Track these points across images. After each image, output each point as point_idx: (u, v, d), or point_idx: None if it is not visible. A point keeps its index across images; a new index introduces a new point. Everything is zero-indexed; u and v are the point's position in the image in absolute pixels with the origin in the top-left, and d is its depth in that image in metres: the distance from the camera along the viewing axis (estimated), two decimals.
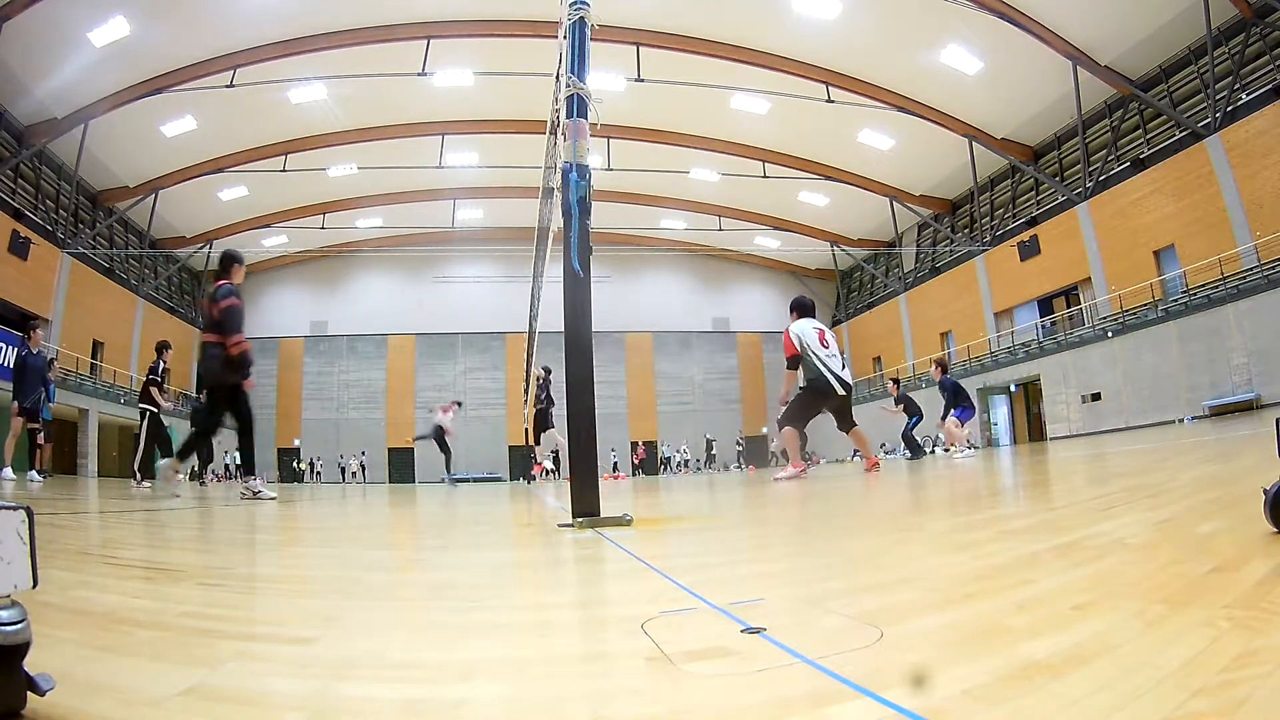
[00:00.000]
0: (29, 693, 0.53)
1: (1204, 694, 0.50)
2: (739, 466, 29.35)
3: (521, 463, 21.23)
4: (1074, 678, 0.55)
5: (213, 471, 14.51)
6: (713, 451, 30.48)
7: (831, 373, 6.38)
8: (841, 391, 6.40)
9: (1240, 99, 16.56)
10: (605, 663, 0.73)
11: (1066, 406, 20.47)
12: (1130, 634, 0.66)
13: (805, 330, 6.55)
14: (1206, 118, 17.15)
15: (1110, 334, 19.07)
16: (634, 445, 32.67)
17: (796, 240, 31.35)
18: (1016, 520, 1.88)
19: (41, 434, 10.96)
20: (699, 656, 0.68)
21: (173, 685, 0.62)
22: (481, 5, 18.93)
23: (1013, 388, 24.37)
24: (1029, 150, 23.25)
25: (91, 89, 18.58)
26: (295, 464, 29.90)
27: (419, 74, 19.60)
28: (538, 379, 11.79)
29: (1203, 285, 16.88)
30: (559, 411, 11.85)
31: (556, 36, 2.99)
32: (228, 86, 19.15)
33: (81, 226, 22.65)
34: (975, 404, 12.08)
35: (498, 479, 27.86)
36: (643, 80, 19.60)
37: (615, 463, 29.60)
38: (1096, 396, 19.45)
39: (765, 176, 25.45)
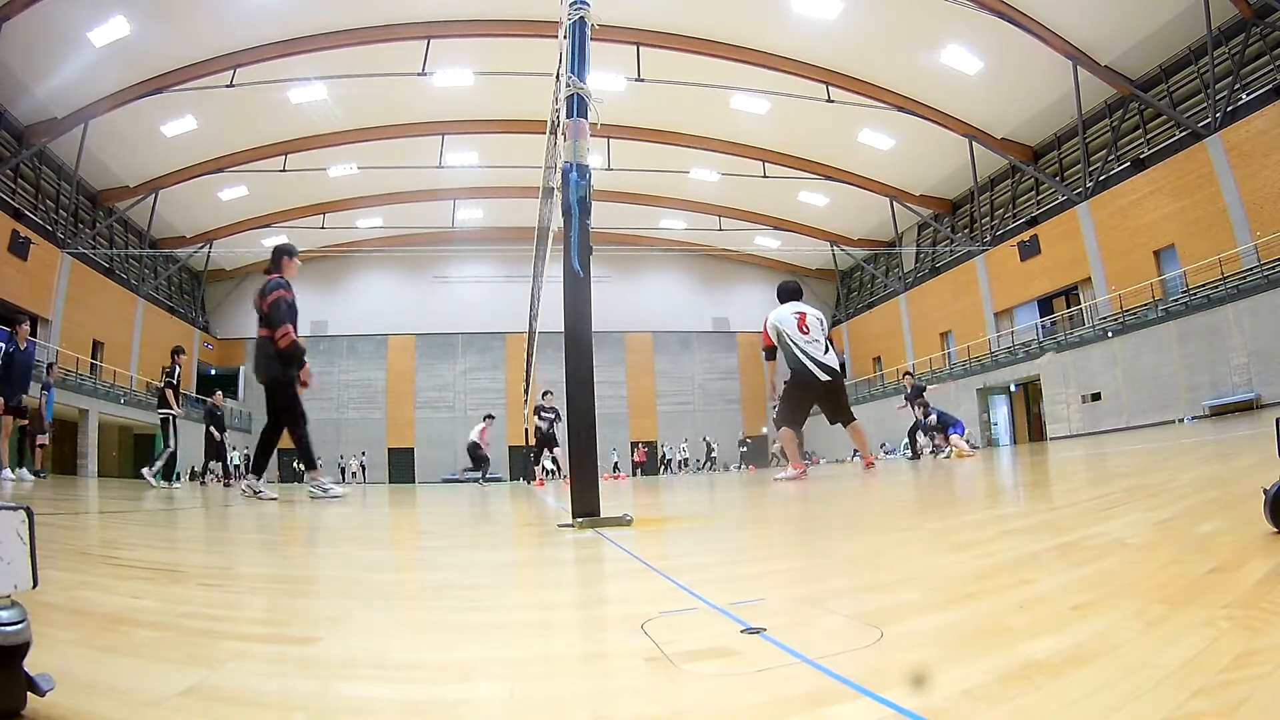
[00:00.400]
0: (29, 693, 0.53)
1: (1204, 694, 0.50)
2: (739, 466, 29.35)
3: (521, 463, 21.21)
4: (1074, 678, 0.55)
5: (211, 472, 14.54)
6: (712, 453, 30.47)
7: (812, 360, 6.06)
8: (824, 378, 6.07)
9: (1240, 99, 16.56)
10: (605, 663, 0.73)
11: (1066, 406, 20.47)
12: (1130, 634, 0.66)
13: (784, 318, 6.25)
14: (1206, 118, 17.15)
15: (1110, 334, 19.08)
16: (634, 445, 32.68)
17: (796, 240, 31.36)
18: (1016, 520, 1.88)
19: (46, 435, 11.09)
20: (699, 656, 0.68)
21: (173, 685, 0.62)
22: (481, 5, 18.93)
23: (1013, 388, 24.37)
24: (1029, 150, 23.26)
25: (91, 89, 18.58)
26: (295, 464, 29.89)
27: (419, 74, 19.60)
28: (538, 407, 12.16)
29: (1203, 285, 16.88)
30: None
31: (556, 36, 2.99)
32: (228, 86, 19.15)
33: (81, 226, 22.66)
34: (957, 417, 12.27)
35: (498, 479, 27.84)
36: (643, 80, 19.60)
37: (616, 463, 29.60)
38: (1096, 396, 19.45)
39: (765, 176, 25.45)
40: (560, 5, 2.80)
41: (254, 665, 0.72)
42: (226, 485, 11.53)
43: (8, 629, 0.52)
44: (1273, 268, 15.10)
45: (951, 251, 26.80)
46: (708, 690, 0.60)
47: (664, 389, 34.58)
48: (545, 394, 12.29)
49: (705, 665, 0.66)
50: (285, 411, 5.37)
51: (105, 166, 22.19)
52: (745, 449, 31.60)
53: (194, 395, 29.19)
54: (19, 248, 19.26)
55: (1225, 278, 16.30)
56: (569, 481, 2.48)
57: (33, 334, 19.51)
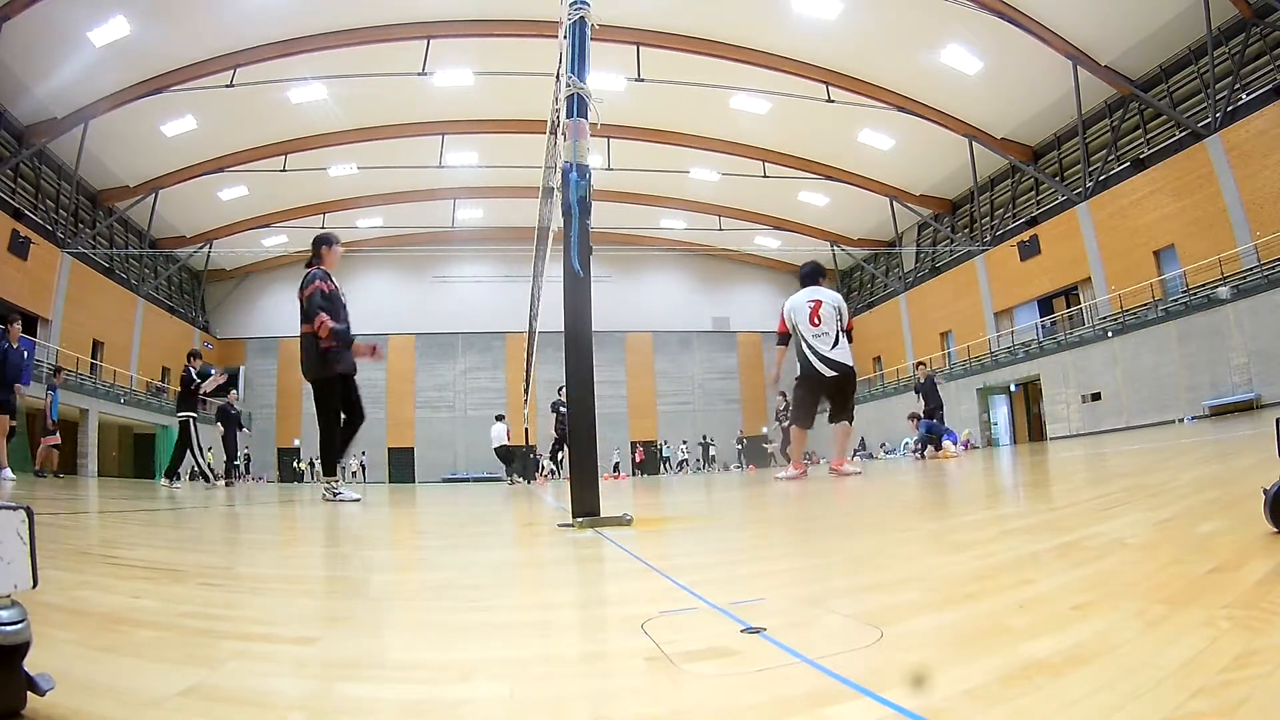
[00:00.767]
0: (29, 693, 0.53)
1: (1204, 694, 0.50)
2: (739, 466, 29.35)
3: (521, 462, 21.21)
4: (1074, 678, 0.55)
5: (211, 470, 14.55)
6: (711, 452, 30.47)
7: (818, 355, 5.84)
8: (829, 374, 5.83)
9: (1240, 99, 16.56)
10: (605, 663, 0.73)
11: (1066, 406, 20.47)
12: (1130, 634, 0.66)
13: (797, 306, 6.01)
14: (1206, 118, 17.15)
15: (1110, 334, 19.08)
16: (634, 445, 32.69)
17: (796, 240, 31.34)
18: (1016, 520, 1.88)
19: (55, 435, 11.19)
20: (699, 656, 0.68)
21: (173, 685, 0.62)
22: (481, 5, 18.93)
23: (1013, 388, 24.37)
24: (1029, 150, 23.25)
25: (91, 89, 18.58)
26: (295, 464, 29.90)
27: (419, 74, 19.60)
28: (555, 403, 12.33)
29: (1203, 285, 16.88)
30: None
31: (556, 36, 2.99)
32: (228, 86, 19.15)
33: (81, 226, 22.65)
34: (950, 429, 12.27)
35: (498, 479, 27.84)
36: (643, 80, 19.60)
37: (617, 463, 29.60)
38: (1096, 396, 19.45)
39: (765, 176, 25.44)
40: (560, 5, 2.80)
41: (254, 665, 0.72)
42: (228, 485, 11.56)
43: (8, 629, 0.52)
44: (1273, 268, 15.10)
45: (951, 251, 26.79)
46: (708, 690, 0.60)
47: (664, 389, 34.57)
48: (561, 389, 12.35)
49: (705, 665, 0.66)
50: (349, 406, 5.05)
51: (105, 166, 22.18)
52: (741, 447, 31.57)
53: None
54: (19, 248, 19.26)
55: (1225, 278, 16.30)
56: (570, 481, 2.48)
57: (33, 334, 19.57)
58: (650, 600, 1.00)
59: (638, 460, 31.85)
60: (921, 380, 12.29)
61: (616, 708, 0.57)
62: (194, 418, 10.21)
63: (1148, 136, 19.43)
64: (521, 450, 15.74)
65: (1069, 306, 22.30)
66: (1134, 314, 18.67)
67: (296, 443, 30.70)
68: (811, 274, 6.24)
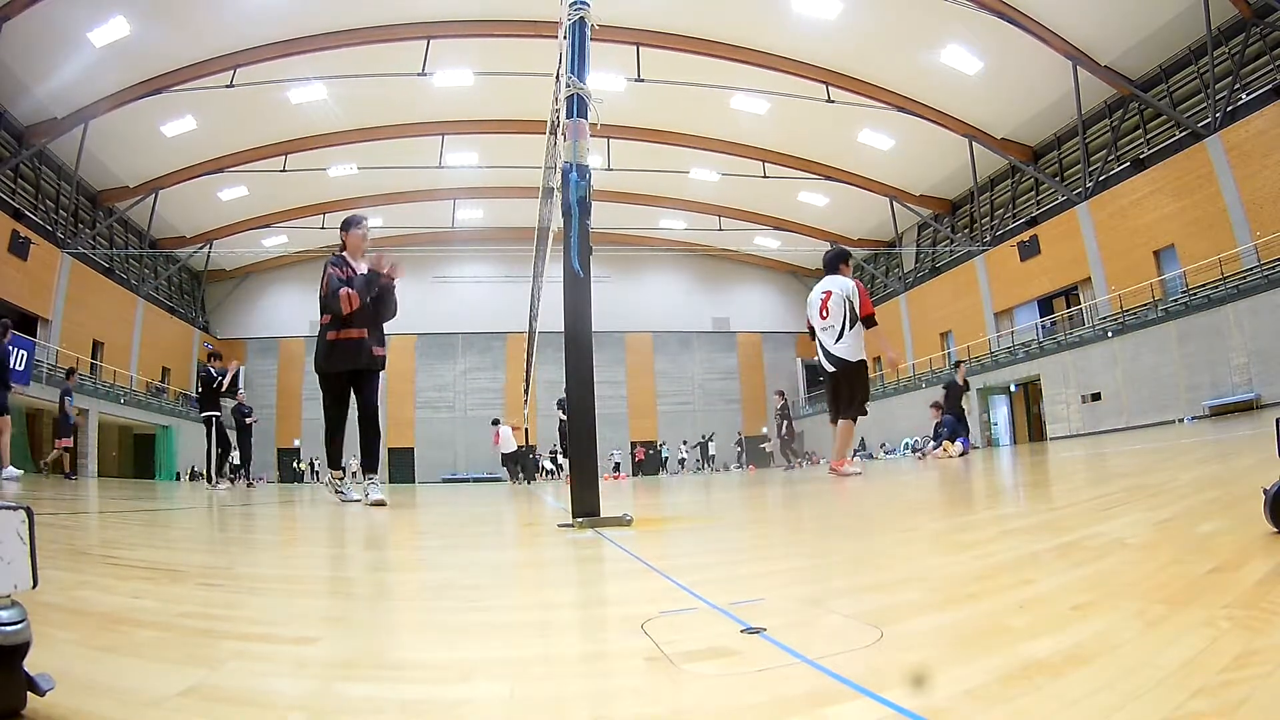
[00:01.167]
0: (29, 693, 0.53)
1: (1204, 694, 0.50)
2: (739, 466, 29.35)
3: (522, 463, 21.21)
4: (1074, 678, 0.55)
5: (222, 472, 14.60)
6: (710, 452, 30.47)
7: (822, 349, 5.75)
8: (829, 368, 5.75)
9: (1240, 99, 16.55)
10: (605, 663, 0.73)
11: (1066, 406, 20.46)
12: (1130, 634, 0.66)
13: (813, 299, 5.89)
14: (1206, 118, 17.15)
15: (1110, 334, 19.07)
16: (634, 445, 32.68)
17: (796, 240, 31.33)
18: (1017, 520, 1.88)
19: (68, 439, 11.55)
20: (699, 656, 0.68)
21: (173, 685, 0.62)
22: (481, 5, 18.93)
23: (1013, 388, 24.36)
24: (1029, 150, 23.25)
25: (91, 89, 18.57)
26: (295, 464, 29.91)
27: (419, 74, 19.60)
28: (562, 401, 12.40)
29: (1203, 285, 16.88)
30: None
31: (556, 36, 2.99)
32: (228, 86, 19.15)
33: (81, 226, 22.65)
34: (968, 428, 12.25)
35: (498, 479, 27.84)
36: (643, 80, 19.60)
37: (617, 463, 29.59)
38: (1096, 396, 19.45)
39: (765, 176, 25.44)
40: (560, 5, 2.80)
41: (254, 665, 0.72)
42: (250, 485, 11.64)
43: (8, 629, 0.52)
44: (1273, 268, 15.10)
45: (951, 251, 26.79)
46: (708, 690, 0.60)
47: (664, 389, 34.57)
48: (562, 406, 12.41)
49: (705, 665, 0.66)
50: (360, 407, 4.76)
51: (105, 166, 22.18)
52: (740, 448, 31.56)
53: (195, 395, 29.23)
54: (19, 248, 19.26)
55: (1225, 278, 16.30)
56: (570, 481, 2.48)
57: (33, 334, 19.57)
58: (650, 600, 1.00)
59: (637, 459, 31.84)
60: (959, 381, 12.09)
61: (616, 708, 0.57)
62: (217, 417, 10.39)
63: (1148, 136, 19.43)
64: (522, 450, 15.76)
65: (1069, 306, 22.30)
66: (1134, 314, 18.66)
67: (296, 443, 30.71)
68: (831, 262, 6.08)
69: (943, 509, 2.50)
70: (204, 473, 10.84)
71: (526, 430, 14.61)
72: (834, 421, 5.97)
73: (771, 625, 0.77)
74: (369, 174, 25.46)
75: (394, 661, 0.75)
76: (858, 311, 5.81)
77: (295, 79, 20.00)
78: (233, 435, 12.66)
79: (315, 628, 0.94)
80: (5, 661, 0.52)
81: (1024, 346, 22.88)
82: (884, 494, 3.56)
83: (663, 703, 0.57)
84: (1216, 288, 16.37)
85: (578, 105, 2.62)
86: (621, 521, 2.20)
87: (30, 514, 0.56)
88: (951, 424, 11.68)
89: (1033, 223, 23.12)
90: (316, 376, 4.72)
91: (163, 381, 26.93)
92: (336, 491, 4.77)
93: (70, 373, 13.30)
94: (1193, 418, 15.83)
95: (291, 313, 32.01)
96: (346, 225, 4.81)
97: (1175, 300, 17.57)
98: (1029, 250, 22.91)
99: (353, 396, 4.76)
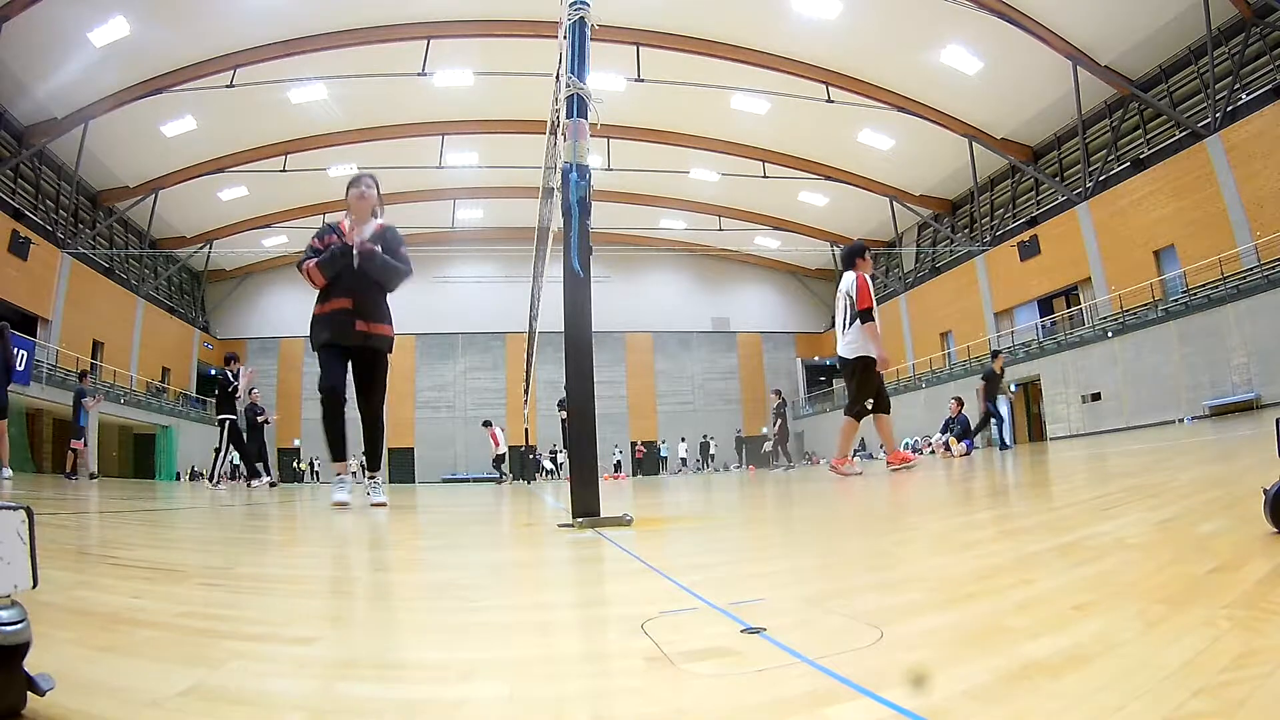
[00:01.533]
0: (29, 693, 0.53)
1: (1204, 694, 0.50)
2: (739, 466, 29.36)
3: (520, 462, 21.22)
4: (1074, 678, 0.55)
5: (235, 473, 14.64)
6: (710, 451, 30.48)
7: (838, 344, 5.88)
8: (838, 365, 5.90)
9: (1240, 99, 16.55)
10: (605, 663, 0.73)
11: (1066, 406, 20.46)
12: (1130, 634, 0.66)
13: (838, 296, 5.94)
14: (1206, 118, 17.15)
15: (1110, 334, 19.07)
16: (633, 445, 32.69)
17: (796, 240, 31.35)
18: (1017, 520, 1.88)
19: (83, 440, 12.02)
20: (699, 656, 0.68)
21: (173, 685, 0.62)
22: (481, 5, 18.93)
23: (1013, 388, 24.36)
24: (1029, 150, 23.25)
25: (91, 89, 18.58)
26: (295, 464, 29.92)
27: (419, 74, 19.60)
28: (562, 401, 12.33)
29: (1203, 285, 16.88)
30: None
31: (556, 36, 2.99)
32: (228, 86, 19.15)
33: (81, 226, 22.65)
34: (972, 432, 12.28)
35: (497, 479, 27.88)
36: (643, 80, 19.60)
37: (618, 462, 29.59)
38: (1096, 396, 19.45)
39: (765, 176, 25.45)
40: (560, 5, 2.80)
41: (254, 665, 0.72)
42: (272, 485, 11.66)
43: (8, 629, 0.52)
44: (1273, 268, 15.09)
45: (951, 251, 26.80)
46: (708, 690, 0.60)
47: (664, 389, 34.57)
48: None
49: (705, 665, 0.66)
50: (360, 389, 4.31)
51: (105, 166, 22.18)
52: (741, 448, 31.58)
53: (194, 395, 29.23)
54: (19, 248, 19.26)
55: (1225, 278, 16.29)
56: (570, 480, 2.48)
57: (33, 334, 19.58)
58: (650, 600, 1.00)
59: (637, 458, 31.85)
60: (997, 370, 11.94)
61: (616, 708, 0.57)
62: (233, 420, 10.54)
63: (1148, 136, 19.43)
64: (522, 450, 15.76)
65: (1069, 306, 22.30)
66: (1134, 314, 18.66)
67: (296, 443, 30.72)
68: (845, 258, 6.07)
69: (943, 509, 2.50)
70: (203, 473, 10.91)
71: (526, 430, 14.61)
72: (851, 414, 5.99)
73: (772, 625, 0.77)
74: None
75: (394, 661, 0.75)
76: (857, 302, 5.83)
77: (295, 79, 20.01)
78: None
79: (315, 628, 0.94)
80: (5, 661, 0.52)
81: (1024, 346, 22.88)
82: (884, 494, 3.56)
83: (663, 703, 0.57)
84: (1216, 288, 16.37)
85: (578, 105, 2.62)
86: (621, 521, 2.20)
87: (30, 514, 0.56)
88: (965, 422, 11.69)
89: (1033, 223, 23.13)
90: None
91: (163, 381, 26.93)
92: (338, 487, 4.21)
93: (84, 375, 13.44)
94: (1193, 418, 15.83)
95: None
96: (349, 184, 4.25)
97: (1175, 300, 17.57)
98: (1029, 250, 22.91)
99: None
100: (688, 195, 29.07)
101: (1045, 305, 23.34)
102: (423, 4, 18.64)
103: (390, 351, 4.31)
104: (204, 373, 30.13)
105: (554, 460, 26.15)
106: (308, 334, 4.18)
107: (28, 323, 19.80)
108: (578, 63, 2.65)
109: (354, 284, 3.98)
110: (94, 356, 23.01)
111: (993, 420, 11.76)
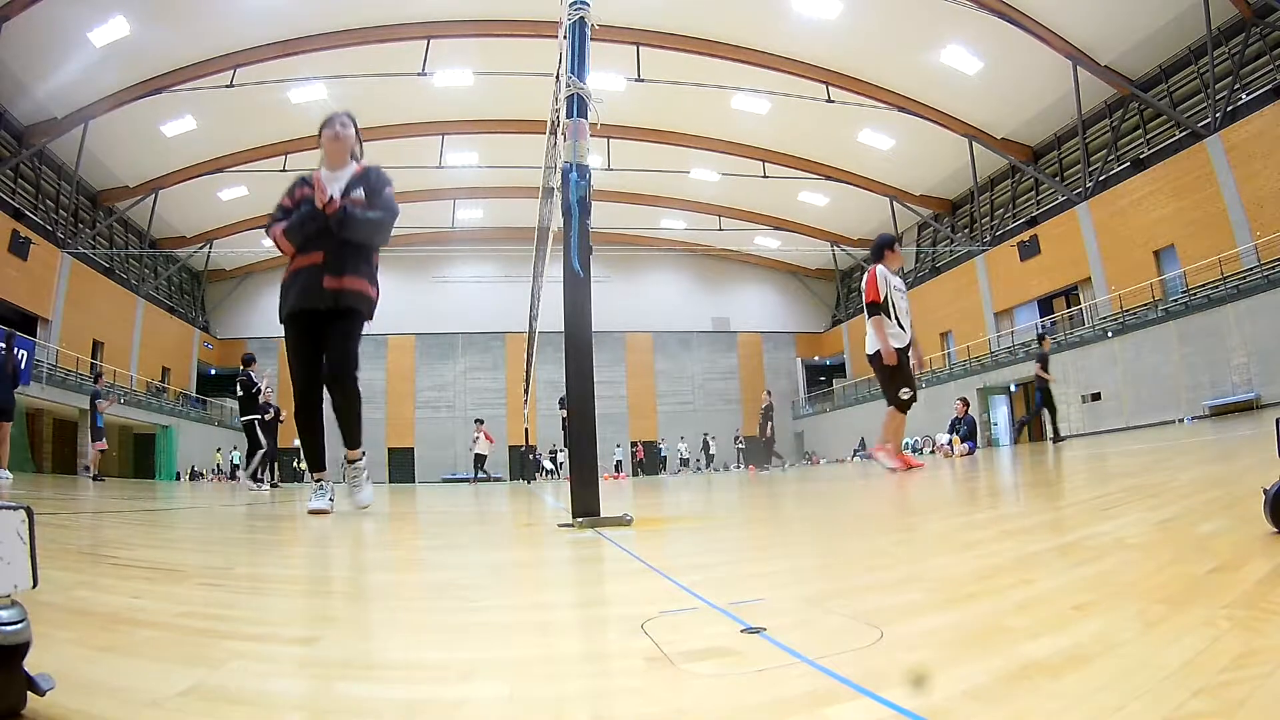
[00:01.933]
0: (29, 693, 0.53)
1: (1204, 694, 0.50)
2: (739, 466, 29.35)
3: (520, 462, 21.22)
4: (1074, 678, 0.55)
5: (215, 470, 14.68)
6: (711, 451, 30.47)
7: None
8: (868, 360, 5.91)
9: (1240, 99, 16.55)
10: (605, 663, 0.73)
11: (1066, 406, 20.45)
12: (1130, 634, 0.66)
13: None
14: (1206, 118, 17.15)
15: (1110, 334, 19.07)
16: (634, 445, 32.69)
17: (796, 240, 31.36)
18: (1017, 520, 1.88)
19: (102, 442, 12.40)
20: (699, 656, 0.68)
21: (173, 685, 0.62)
22: (481, 5, 18.93)
23: (1013, 388, 24.36)
24: (1029, 150, 23.25)
25: (91, 89, 18.58)
26: (295, 464, 29.89)
27: (419, 74, 19.61)
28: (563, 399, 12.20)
29: (1203, 285, 16.88)
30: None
31: (556, 36, 2.99)
32: (228, 86, 19.15)
33: (81, 226, 22.66)
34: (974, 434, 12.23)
35: (497, 479, 27.87)
36: (643, 80, 19.60)
37: (619, 462, 29.57)
38: (1097, 396, 19.45)
39: (765, 176, 25.45)
40: (560, 5, 2.80)
41: (254, 665, 0.72)
42: (274, 486, 11.69)
43: (8, 629, 0.52)
44: (1273, 268, 15.09)
45: (951, 251, 26.80)
46: (708, 690, 0.60)
47: (664, 389, 34.57)
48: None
49: (705, 665, 0.66)
50: (329, 365, 3.61)
51: (105, 166, 22.18)
52: (741, 447, 31.56)
53: (194, 395, 29.23)
54: (19, 248, 19.26)
55: (1225, 278, 16.29)
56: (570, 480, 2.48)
57: (33, 334, 19.58)
58: (650, 600, 1.00)
59: (637, 458, 31.84)
60: (1047, 351, 11.93)
61: (616, 708, 0.57)
62: (258, 420, 10.73)
63: (1148, 136, 19.43)
64: (522, 450, 15.78)
65: (1069, 306, 22.30)
66: (1134, 314, 18.66)
67: (296, 443, 30.66)
68: (873, 251, 6.06)
69: (942, 509, 2.50)
70: (252, 473, 11.02)
71: (527, 430, 14.62)
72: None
73: (772, 625, 0.77)
74: None
75: (394, 661, 0.75)
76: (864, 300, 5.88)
77: (295, 79, 20.00)
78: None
79: (315, 628, 0.94)
80: (5, 661, 0.52)
81: (1024, 346, 22.88)
82: (884, 494, 3.56)
83: (663, 703, 0.57)
84: (1216, 288, 16.36)
85: (578, 105, 2.62)
86: (621, 521, 2.20)
87: (30, 514, 0.56)
88: (971, 423, 11.70)
89: (1033, 223, 23.13)
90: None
91: (163, 381, 26.92)
92: (318, 492, 3.56)
93: (98, 377, 13.58)
94: (1193, 418, 15.83)
95: None
96: (323, 123, 3.61)
97: (1175, 300, 17.57)
98: (1029, 250, 22.91)
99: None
100: (688, 195, 29.07)
101: (1045, 305, 23.34)
102: (422, 4, 18.64)
103: (368, 316, 3.55)
104: (204, 373, 30.13)
105: (554, 460, 26.16)
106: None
107: (28, 323, 19.80)
108: (578, 63, 2.65)
109: (327, 237, 3.38)
110: (94, 356, 23.01)
111: (962, 426, 11.64)
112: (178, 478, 23.49)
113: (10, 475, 9.11)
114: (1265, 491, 1.08)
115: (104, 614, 0.94)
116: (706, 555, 1.65)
